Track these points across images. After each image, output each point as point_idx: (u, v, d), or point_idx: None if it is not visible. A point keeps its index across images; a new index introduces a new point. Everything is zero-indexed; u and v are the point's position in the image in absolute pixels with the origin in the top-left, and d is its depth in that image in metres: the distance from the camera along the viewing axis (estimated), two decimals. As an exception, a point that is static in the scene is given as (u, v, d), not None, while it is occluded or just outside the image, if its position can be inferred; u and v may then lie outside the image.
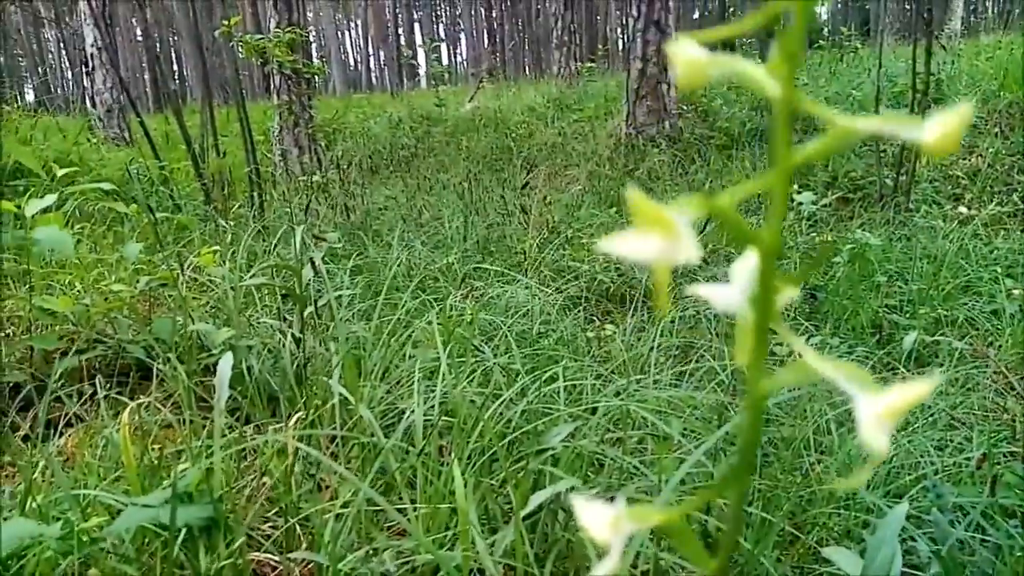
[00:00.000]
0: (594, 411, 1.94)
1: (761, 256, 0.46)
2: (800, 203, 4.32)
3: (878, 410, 0.40)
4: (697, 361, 2.87)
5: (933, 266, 3.46)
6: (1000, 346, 2.88)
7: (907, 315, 3.18)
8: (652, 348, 2.89)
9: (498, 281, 3.53)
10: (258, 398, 1.88)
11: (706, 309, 3.30)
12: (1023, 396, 2.42)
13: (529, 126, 9.54)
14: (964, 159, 4.71)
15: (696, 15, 32.88)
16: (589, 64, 11.46)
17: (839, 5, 37.22)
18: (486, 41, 35.89)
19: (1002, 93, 5.62)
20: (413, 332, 2.43)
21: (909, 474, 2.05)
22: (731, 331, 3.14)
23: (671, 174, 6.09)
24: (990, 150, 4.74)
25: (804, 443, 2.12)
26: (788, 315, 3.36)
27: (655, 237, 0.40)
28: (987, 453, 1.86)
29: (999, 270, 3.30)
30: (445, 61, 47.99)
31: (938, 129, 0.38)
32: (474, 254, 4.10)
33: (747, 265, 0.47)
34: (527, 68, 38.52)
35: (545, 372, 2.00)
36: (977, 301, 3.22)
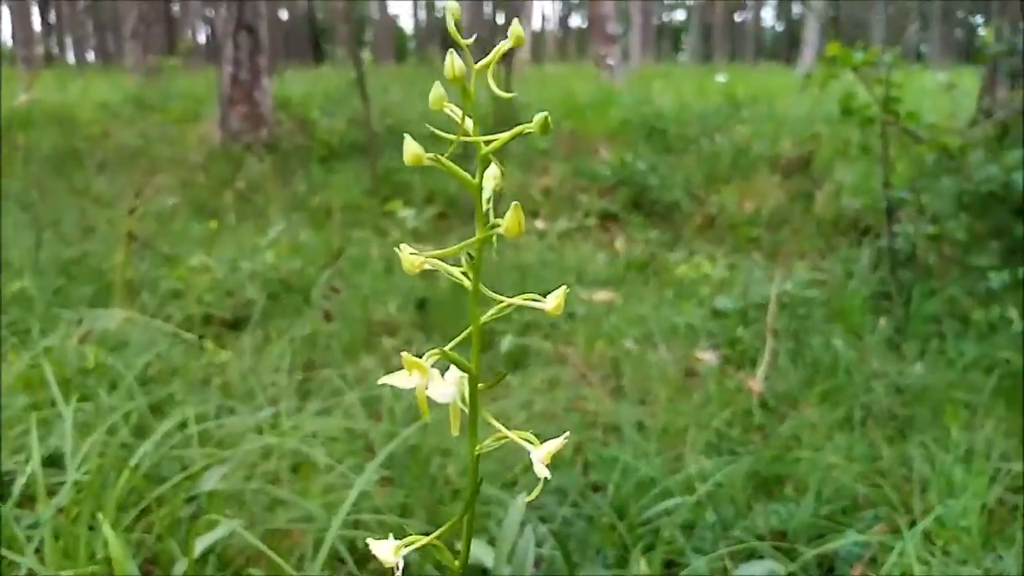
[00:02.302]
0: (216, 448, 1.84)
1: (470, 379, 0.92)
2: (403, 217, 4.57)
3: (541, 456, 0.89)
4: (320, 379, 2.88)
5: (519, 274, 3.94)
6: (575, 344, 3.40)
7: (502, 321, 3.58)
8: (277, 369, 2.83)
9: (87, 309, 3.12)
10: None
11: (324, 328, 3.33)
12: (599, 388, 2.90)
13: (103, 125, 8.54)
14: (539, 179, 5.45)
15: (286, 16, 32.65)
16: (172, 61, 10.62)
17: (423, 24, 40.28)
18: (38, 21, 31.06)
19: (564, 122, 6.60)
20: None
21: (518, 465, 2.31)
22: (351, 347, 3.22)
23: (273, 184, 5.96)
24: (558, 172, 5.55)
25: (430, 451, 2.27)
26: (401, 325, 3.55)
27: (415, 376, 0.85)
28: (580, 442, 2.19)
29: (572, 277, 3.90)
30: (-19, 38, 40.32)
31: (553, 302, 0.91)
32: (52, 278, 3.56)
33: (454, 375, 0.91)
34: (89, 55, 34.30)
35: (168, 413, 1.85)
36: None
